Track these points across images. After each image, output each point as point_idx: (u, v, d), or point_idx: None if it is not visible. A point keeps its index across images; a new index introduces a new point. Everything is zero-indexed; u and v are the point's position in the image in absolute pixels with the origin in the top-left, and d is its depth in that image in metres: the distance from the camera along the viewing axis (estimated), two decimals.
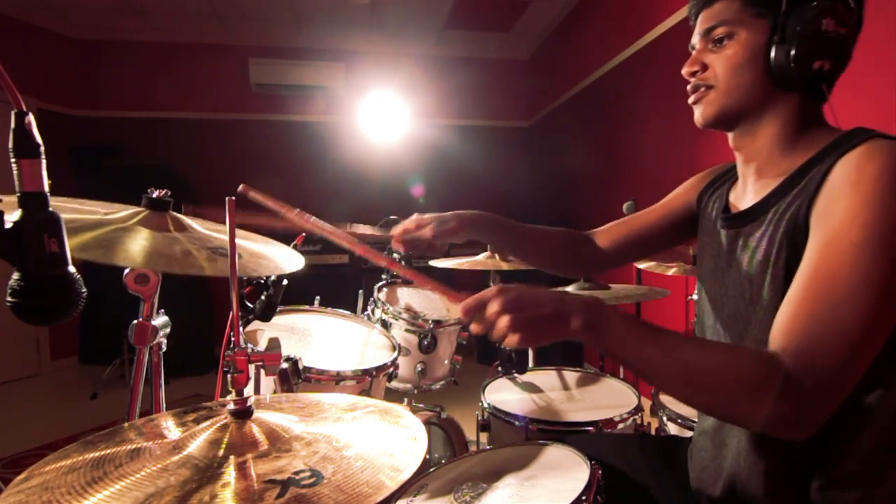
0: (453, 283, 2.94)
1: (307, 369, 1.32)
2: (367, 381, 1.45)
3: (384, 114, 4.34)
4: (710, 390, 0.66)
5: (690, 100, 0.86)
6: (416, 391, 1.85)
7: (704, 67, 0.83)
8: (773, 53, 0.76)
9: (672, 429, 1.42)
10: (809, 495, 0.73)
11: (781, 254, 0.73)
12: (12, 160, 0.56)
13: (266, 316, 1.18)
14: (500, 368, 1.75)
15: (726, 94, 0.81)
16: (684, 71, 0.85)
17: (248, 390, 0.72)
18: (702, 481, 0.91)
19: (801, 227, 0.71)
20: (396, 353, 1.62)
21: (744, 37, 0.79)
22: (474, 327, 0.71)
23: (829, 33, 0.72)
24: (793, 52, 0.73)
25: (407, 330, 1.80)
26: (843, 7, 0.74)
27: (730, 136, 0.87)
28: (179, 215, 1.15)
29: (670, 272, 1.98)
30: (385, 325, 1.81)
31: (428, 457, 1.50)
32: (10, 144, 0.56)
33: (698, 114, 0.85)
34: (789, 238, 0.72)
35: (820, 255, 0.66)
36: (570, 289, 1.78)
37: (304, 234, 1.39)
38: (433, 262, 2.03)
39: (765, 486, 0.76)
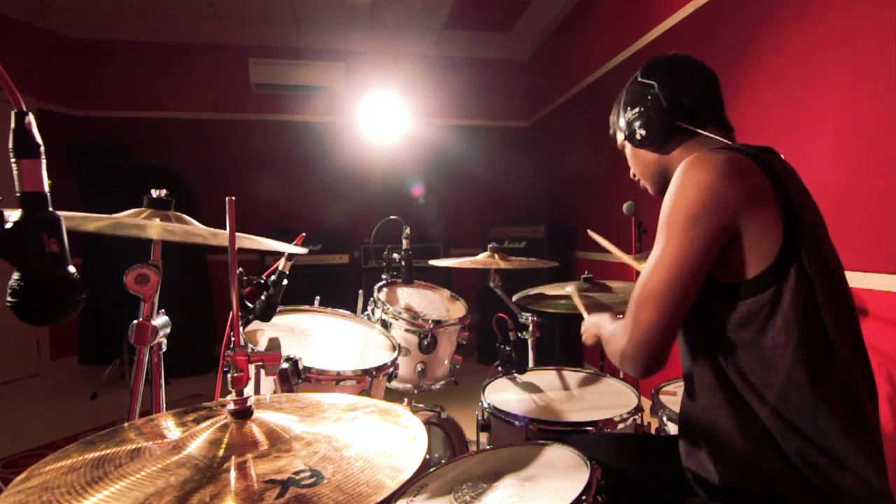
0: (453, 282, 2.92)
1: (307, 369, 1.32)
2: (367, 381, 1.45)
3: (384, 114, 4.33)
4: (608, 349, 1.04)
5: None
6: (416, 391, 1.85)
7: (632, 171, 1.20)
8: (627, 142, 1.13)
9: (672, 429, 1.42)
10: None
11: None
12: (12, 160, 0.56)
13: (266, 316, 1.18)
14: (500, 368, 1.75)
15: (645, 178, 1.16)
16: (630, 175, 1.22)
17: (248, 390, 0.72)
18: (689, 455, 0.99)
19: None
20: (396, 353, 1.62)
21: (625, 144, 1.16)
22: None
23: (631, 118, 1.08)
24: (626, 140, 1.12)
25: (407, 330, 1.80)
26: (635, 97, 1.06)
27: None
28: (180, 213, 1.15)
29: None
30: (385, 325, 1.81)
31: (428, 457, 1.50)
32: (10, 144, 0.56)
33: None
34: None
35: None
36: (569, 288, 1.78)
37: (303, 234, 1.40)
38: (433, 262, 2.03)
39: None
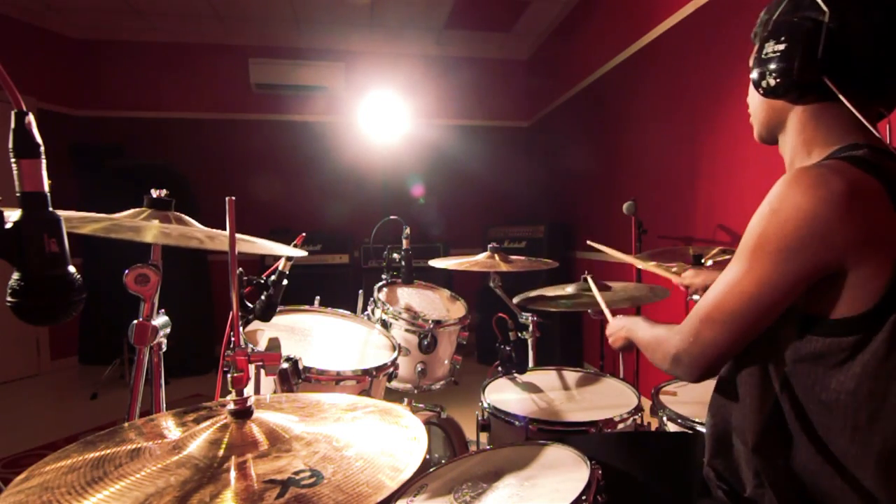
0: (453, 282, 2.92)
1: (307, 369, 1.32)
2: (367, 381, 1.45)
3: (384, 114, 4.34)
4: (649, 351, 0.98)
5: None
6: (416, 391, 1.85)
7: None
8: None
9: (672, 429, 1.42)
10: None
11: None
12: (12, 160, 0.56)
13: (266, 316, 1.18)
14: (500, 368, 1.75)
15: (753, 118, 0.95)
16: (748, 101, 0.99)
17: (248, 390, 0.72)
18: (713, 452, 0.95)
19: None
20: (396, 353, 1.62)
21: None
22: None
23: (768, 54, 0.82)
24: (752, 76, 0.86)
25: (407, 330, 1.80)
26: (793, 24, 0.79)
27: None
28: (180, 214, 1.16)
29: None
30: (385, 325, 1.81)
31: (428, 457, 1.50)
32: (10, 144, 0.56)
33: None
34: None
35: None
36: (569, 288, 1.78)
37: (303, 234, 1.40)
38: (432, 262, 2.03)
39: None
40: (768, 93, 0.83)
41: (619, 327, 1.16)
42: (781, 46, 0.79)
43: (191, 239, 1.01)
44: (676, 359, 0.87)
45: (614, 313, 1.21)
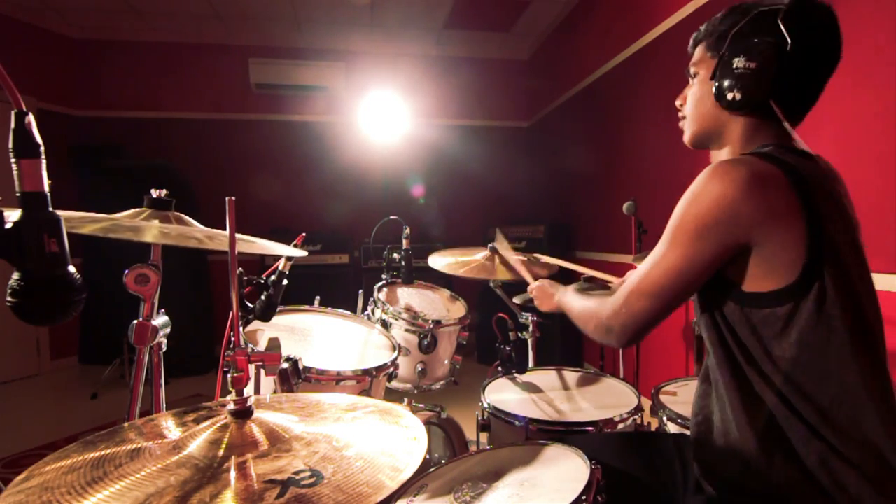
0: (453, 282, 2.94)
1: (307, 369, 1.32)
2: (367, 381, 1.45)
3: (384, 114, 4.33)
4: (581, 321, 1.08)
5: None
6: (416, 391, 1.85)
7: (684, 100, 1.04)
8: (713, 88, 0.94)
9: (672, 429, 1.42)
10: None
11: None
12: (12, 160, 0.56)
13: (266, 316, 1.18)
14: (500, 368, 1.75)
15: (691, 121, 1.02)
16: (676, 102, 1.07)
17: (248, 390, 0.72)
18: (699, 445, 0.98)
19: None
20: (396, 353, 1.62)
21: (702, 74, 0.98)
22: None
23: (738, 69, 0.88)
24: (715, 87, 0.93)
25: (407, 330, 1.80)
26: (760, 45, 0.86)
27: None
28: (180, 214, 1.16)
29: None
30: (385, 325, 1.81)
31: (428, 457, 1.50)
32: (10, 144, 0.56)
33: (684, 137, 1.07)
34: None
35: None
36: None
37: (303, 234, 1.40)
38: (432, 263, 2.03)
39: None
40: (730, 105, 0.91)
41: (549, 293, 1.32)
42: (753, 65, 0.86)
43: (189, 238, 1.01)
44: (608, 328, 0.96)
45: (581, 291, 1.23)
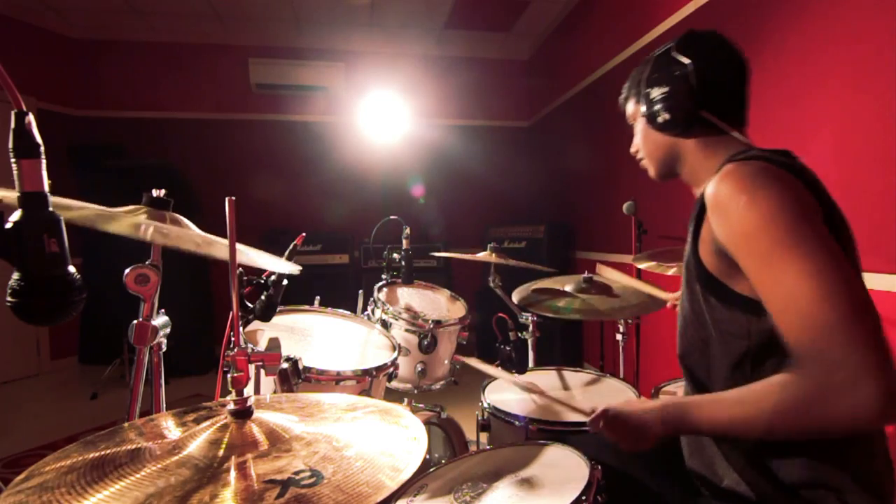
0: (453, 283, 2.91)
1: (307, 369, 1.32)
2: (367, 381, 1.45)
3: (384, 114, 4.33)
4: (771, 425, 0.72)
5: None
6: (416, 391, 1.85)
7: (636, 146, 1.12)
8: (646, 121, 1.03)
9: None
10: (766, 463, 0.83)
11: (687, 275, 0.94)
12: (12, 160, 0.56)
13: (266, 316, 1.18)
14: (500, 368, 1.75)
15: (649, 159, 1.09)
16: (630, 150, 1.14)
17: (248, 390, 0.72)
18: (691, 457, 0.98)
19: (691, 252, 0.91)
20: (396, 353, 1.62)
21: (640, 120, 1.07)
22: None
23: (657, 97, 0.97)
24: (646, 119, 1.02)
25: (407, 330, 1.80)
26: (667, 75, 0.95)
27: None
28: (177, 215, 1.15)
29: (670, 272, 1.97)
30: (385, 325, 1.81)
31: (428, 457, 1.50)
32: (10, 144, 0.55)
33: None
34: (686, 261, 0.93)
35: (756, 276, 0.76)
36: (568, 288, 1.78)
37: (303, 234, 1.40)
38: (434, 253, 2.03)
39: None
40: (664, 127, 0.98)
41: (652, 419, 0.87)
42: (665, 89, 0.95)
43: (166, 237, 0.97)
44: (848, 383, 0.63)
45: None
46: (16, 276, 0.55)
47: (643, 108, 1.02)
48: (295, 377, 1.11)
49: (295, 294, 1.52)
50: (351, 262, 4.40)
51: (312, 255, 4.25)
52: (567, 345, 3.94)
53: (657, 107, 0.97)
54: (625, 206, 2.51)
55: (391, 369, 1.55)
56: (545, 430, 1.36)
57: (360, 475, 0.59)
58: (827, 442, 0.78)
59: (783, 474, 0.82)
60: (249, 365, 0.76)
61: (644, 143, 1.08)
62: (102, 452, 0.64)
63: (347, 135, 4.75)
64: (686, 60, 0.93)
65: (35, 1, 3.97)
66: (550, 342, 3.73)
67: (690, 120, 0.95)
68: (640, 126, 1.09)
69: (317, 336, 1.63)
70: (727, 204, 0.79)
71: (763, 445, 0.83)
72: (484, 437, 1.49)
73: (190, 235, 1.02)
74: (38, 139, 0.56)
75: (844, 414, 0.63)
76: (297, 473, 0.59)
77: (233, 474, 0.59)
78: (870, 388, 0.61)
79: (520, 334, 1.91)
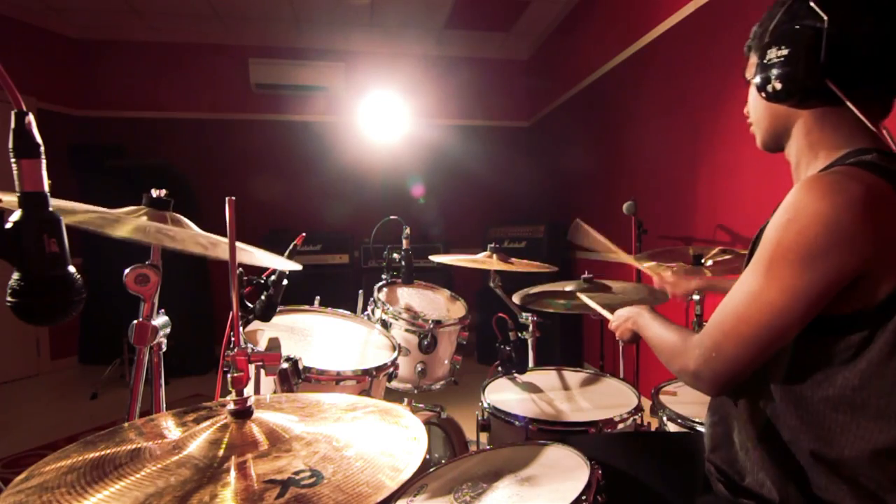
0: (453, 283, 2.92)
1: (307, 369, 1.32)
2: (367, 381, 1.45)
3: (384, 114, 4.33)
4: (662, 356, 0.96)
5: None
6: (416, 391, 1.85)
7: (747, 107, 0.98)
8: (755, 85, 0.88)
9: (672, 429, 1.42)
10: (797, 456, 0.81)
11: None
12: (12, 160, 0.56)
13: (266, 316, 1.18)
14: (500, 368, 1.75)
15: (757, 126, 0.96)
16: (744, 110, 1.00)
17: (248, 390, 0.72)
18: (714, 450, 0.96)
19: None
20: (396, 353, 1.62)
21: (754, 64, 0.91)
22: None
23: (772, 60, 0.83)
24: (755, 83, 0.87)
25: (407, 330, 1.80)
26: (794, 30, 0.81)
27: None
28: (177, 215, 1.15)
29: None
30: (385, 325, 1.81)
31: (428, 457, 1.50)
32: (10, 144, 0.55)
33: None
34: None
35: (746, 267, 0.82)
36: (569, 287, 1.78)
37: (303, 234, 1.40)
38: (432, 257, 2.03)
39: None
40: (773, 97, 0.84)
41: (625, 318, 1.12)
42: (785, 52, 0.80)
43: (165, 237, 1.00)
44: (697, 374, 0.84)
45: (651, 309, 1.17)
46: (16, 276, 0.55)
47: (754, 69, 0.87)
48: (295, 377, 1.11)
49: (295, 294, 1.52)
50: (351, 262, 4.40)
51: (312, 255, 4.25)
52: (567, 345, 3.94)
53: (771, 72, 0.82)
54: (625, 206, 2.51)
55: (391, 369, 1.55)
56: (545, 430, 1.36)
57: (360, 475, 0.59)
58: (888, 481, 0.74)
59: (822, 493, 0.78)
60: (249, 365, 0.76)
61: (753, 108, 0.95)
62: (102, 452, 0.64)
63: (347, 135, 4.75)
64: (822, 13, 0.77)
65: (35, 1, 3.97)
66: (550, 342, 3.73)
67: (811, 91, 0.81)
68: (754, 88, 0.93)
69: (317, 336, 1.63)
70: (780, 209, 0.77)
71: (815, 461, 0.79)
72: (484, 437, 1.49)
73: (195, 237, 1.02)
74: (38, 139, 0.56)
75: (677, 372, 0.90)
76: (297, 473, 0.59)
77: (233, 474, 0.59)
78: (698, 374, 0.85)
79: (520, 334, 1.91)
